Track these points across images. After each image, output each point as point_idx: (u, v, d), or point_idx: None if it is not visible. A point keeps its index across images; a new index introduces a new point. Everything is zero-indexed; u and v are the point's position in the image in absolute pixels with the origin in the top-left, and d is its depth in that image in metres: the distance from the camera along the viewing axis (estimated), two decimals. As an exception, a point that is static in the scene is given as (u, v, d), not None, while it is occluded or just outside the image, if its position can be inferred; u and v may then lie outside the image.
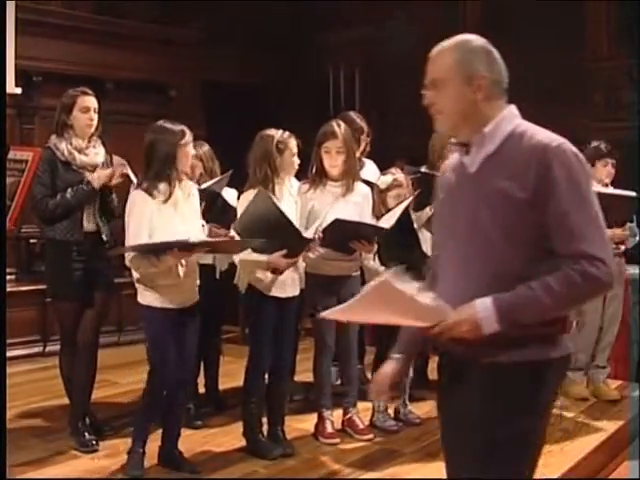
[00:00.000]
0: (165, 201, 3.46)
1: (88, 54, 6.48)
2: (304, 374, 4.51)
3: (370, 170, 4.65)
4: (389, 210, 4.07)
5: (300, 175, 4.09)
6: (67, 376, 4.04)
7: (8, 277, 5.34)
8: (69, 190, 3.86)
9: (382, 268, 4.06)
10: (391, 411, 4.31)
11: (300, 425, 4.21)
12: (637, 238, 4.80)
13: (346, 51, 7.76)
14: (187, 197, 3.57)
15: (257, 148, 3.79)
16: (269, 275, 3.72)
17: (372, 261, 4.09)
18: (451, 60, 1.97)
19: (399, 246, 3.92)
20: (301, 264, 3.90)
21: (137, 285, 3.56)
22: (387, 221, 3.93)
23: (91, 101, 3.97)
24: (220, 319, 4.69)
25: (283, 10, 7.55)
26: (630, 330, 5.20)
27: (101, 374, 4.23)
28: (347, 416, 4.18)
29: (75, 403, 4.01)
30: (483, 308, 1.86)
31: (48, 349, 5.82)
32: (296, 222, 3.82)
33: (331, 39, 7.68)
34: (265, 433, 3.92)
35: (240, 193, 3.91)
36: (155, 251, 3.37)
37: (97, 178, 3.90)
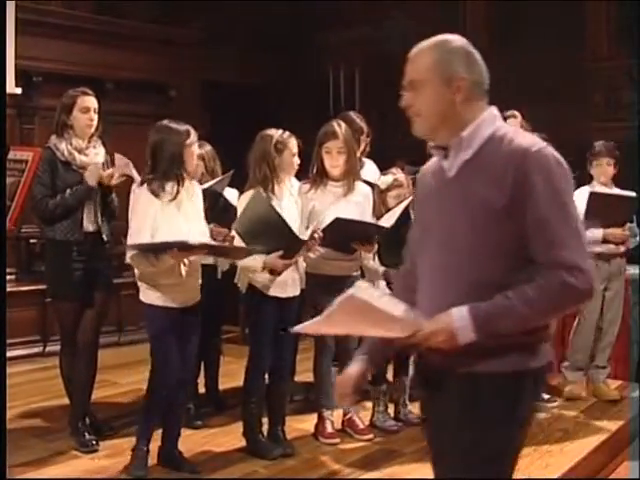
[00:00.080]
0: (170, 200, 3.46)
1: (88, 54, 6.48)
2: (304, 374, 4.51)
3: (370, 170, 4.65)
4: (389, 210, 4.08)
5: (300, 175, 4.09)
6: (67, 376, 4.04)
7: (8, 277, 5.34)
8: (68, 190, 3.86)
9: (382, 268, 4.06)
10: (391, 411, 4.31)
11: (300, 425, 4.21)
12: (637, 238, 4.79)
13: (346, 51, 7.76)
14: (191, 197, 3.58)
15: (257, 148, 3.79)
16: (267, 276, 3.73)
17: (372, 261, 4.09)
18: (430, 61, 1.92)
19: (399, 246, 3.91)
20: (302, 264, 3.91)
21: (139, 284, 3.57)
22: (387, 221, 3.93)
23: (91, 101, 3.97)
24: (221, 319, 4.69)
25: (283, 10, 7.54)
26: (630, 330, 5.20)
27: (101, 374, 4.23)
28: (347, 416, 4.18)
29: (75, 403, 4.01)
30: (459, 317, 1.81)
31: (48, 349, 5.82)
32: (297, 222, 3.83)
33: (331, 39, 7.68)
34: (265, 433, 3.92)
35: (241, 193, 3.92)
36: (154, 250, 3.37)
37: (90, 175, 3.89)
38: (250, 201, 3.69)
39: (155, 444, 3.66)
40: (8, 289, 4.72)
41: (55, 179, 3.88)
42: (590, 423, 4.44)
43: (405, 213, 3.91)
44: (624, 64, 6.50)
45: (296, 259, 3.76)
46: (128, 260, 3.47)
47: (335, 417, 4.14)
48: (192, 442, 3.95)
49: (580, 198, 4.67)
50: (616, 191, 4.77)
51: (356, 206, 4.01)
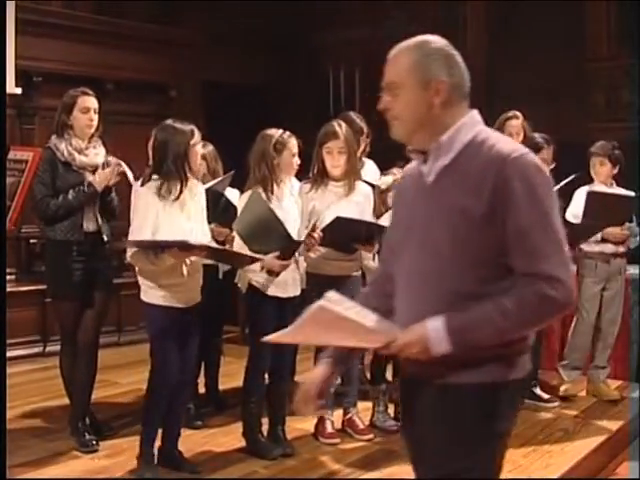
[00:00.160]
0: (173, 200, 3.46)
1: (88, 54, 6.48)
2: (304, 374, 4.51)
3: (370, 170, 4.65)
4: (389, 210, 4.07)
5: (301, 175, 4.09)
6: (67, 376, 4.04)
7: (8, 277, 5.34)
8: (71, 191, 3.86)
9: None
10: (391, 411, 4.31)
11: (300, 425, 4.21)
12: (637, 238, 4.78)
13: (346, 51, 7.76)
14: (194, 197, 3.58)
15: (256, 148, 3.80)
16: (265, 276, 3.73)
17: (372, 261, 4.09)
18: (408, 63, 1.86)
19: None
20: (302, 264, 3.91)
21: (141, 283, 3.57)
22: (387, 220, 3.92)
23: (91, 101, 3.97)
24: (222, 319, 4.69)
25: (283, 10, 7.55)
26: (630, 330, 5.20)
27: (101, 374, 4.23)
28: (347, 416, 4.18)
29: (75, 403, 4.01)
30: (434, 329, 1.76)
31: (48, 349, 5.81)
32: (297, 222, 3.83)
33: (331, 39, 7.68)
34: (265, 433, 3.92)
35: (242, 193, 3.92)
36: (154, 248, 3.37)
37: (99, 180, 3.90)
38: (248, 201, 3.70)
39: (155, 444, 3.66)
40: (8, 289, 4.72)
41: (55, 179, 3.88)
42: (590, 423, 4.44)
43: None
44: (624, 64, 6.50)
45: (293, 260, 3.75)
46: (128, 258, 3.47)
47: (335, 417, 4.14)
48: (192, 442, 3.95)
49: (580, 198, 4.69)
50: (615, 191, 4.76)
51: (357, 206, 4.01)
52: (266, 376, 3.92)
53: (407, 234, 1.92)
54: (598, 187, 4.78)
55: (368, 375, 4.58)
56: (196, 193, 3.61)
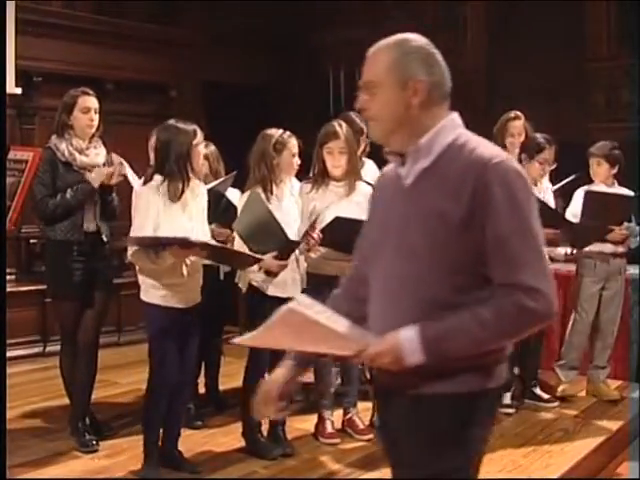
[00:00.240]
0: (175, 200, 3.46)
1: (88, 54, 6.48)
2: (304, 374, 4.51)
3: (370, 170, 4.65)
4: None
5: (301, 175, 4.09)
6: (67, 376, 4.04)
7: (8, 277, 5.34)
8: (69, 190, 3.86)
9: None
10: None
11: (300, 425, 4.21)
12: (637, 238, 4.76)
13: (346, 51, 7.74)
14: (195, 197, 3.58)
15: (256, 148, 3.80)
16: (263, 276, 3.73)
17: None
18: (386, 62, 1.80)
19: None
20: (302, 264, 3.91)
21: (141, 282, 3.57)
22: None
23: (92, 101, 3.97)
24: (223, 319, 4.69)
25: (283, 10, 7.55)
26: (630, 330, 5.20)
27: (101, 374, 4.23)
28: (347, 416, 4.18)
29: (75, 403, 4.01)
30: (407, 339, 1.70)
31: (48, 349, 5.81)
32: (297, 222, 3.83)
33: (331, 39, 7.68)
34: (265, 433, 3.92)
35: (243, 193, 3.92)
36: (155, 246, 3.37)
37: (95, 177, 3.90)
38: (247, 201, 3.71)
39: (157, 444, 3.66)
40: (8, 289, 4.72)
41: (56, 179, 3.88)
42: (590, 423, 4.44)
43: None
44: (624, 64, 6.50)
45: (290, 260, 3.75)
46: (129, 257, 3.47)
47: (335, 417, 4.14)
48: (192, 442, 3.95)
49: (579, 198, 4.69)
50: (614, 190, 4.74)
51: (357, 206, 4.00)
52: (266, 376, 3.91)
53: (383, 237, 1.87)
54: (596, 187, 4.78)
55: (368, 375, 4.57)
56: (198, 193, 3.61)
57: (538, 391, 4.79)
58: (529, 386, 4.80)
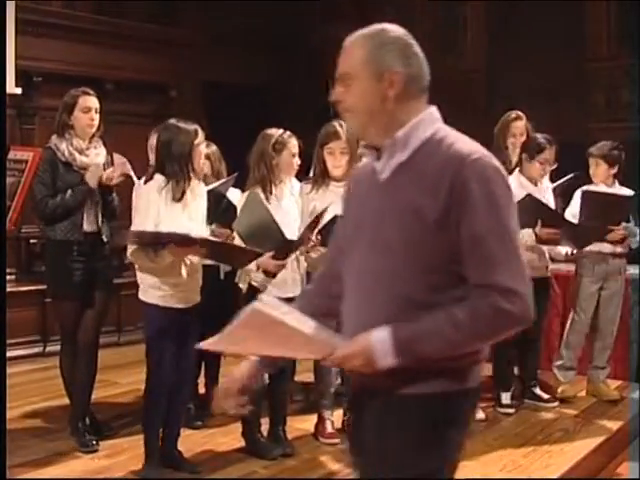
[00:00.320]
0: (175, 200, 3.46)
1: (88, 54, 6.48)
2: (304, 374, 4.51)
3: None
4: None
5: (301, 175, 4.09)
6: (67, 376, 4.04)
7: (8, 277, 5.34)
8: (69, 191, 3.86)
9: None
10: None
11: (300, 425, 4.21)
12: (637, 238, 4.75)
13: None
14: (195, 197, 3.58)
15: (256, 148, 3.80)
16: (261, 276, 3.72)
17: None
18: (362, 53, 1.75)
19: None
20: (302, 264, 3.91)
21: (140, 282, 3.57)
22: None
23: (92, 101, 3.97)
24: (223, 319, 4.68)
25: (283, 10, 7.55)
26: (630, 330, 5.19)
27: (101, 374, 4.22)
28: (347, 416, 4.18)
29: (75, 403, 4.01)
30: (379, 340, 1.65)
31: (48, 349, 5.81)
32: (297, 222, 3.83)
33: (331, 39, 7.67)
34: (264, 433, 3.92)
35: (243, 193, 3.92)
36: (154, 243, 3.36)
37: (91, 176, 3.89)
38: (246, 201, 3.71)
39: (158, 444, 3.65)
40: (8, 289, 4.72)
41: (56, 179, 3.88)
42: (590, 423, 4.44)
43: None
44: (624, 64, 6.51)
45: (288, 261, 3.74)
46: (128, 256, 3.47)
47: (335, 417, 4.14)
48: (192, 442, 3.95)
49: (578, 198, 4.69)
50: (612, 190, 4.73)
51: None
52: (266, 376, 3.91)
53: (357, 233, 1.81)
54: (594, 186, 4.77)
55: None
56: (198, 193, 3.61)
57: (538, 391, 4.79)
58: (529, 386, 4.80)
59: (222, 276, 4.36)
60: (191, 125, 3.52)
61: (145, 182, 3.57)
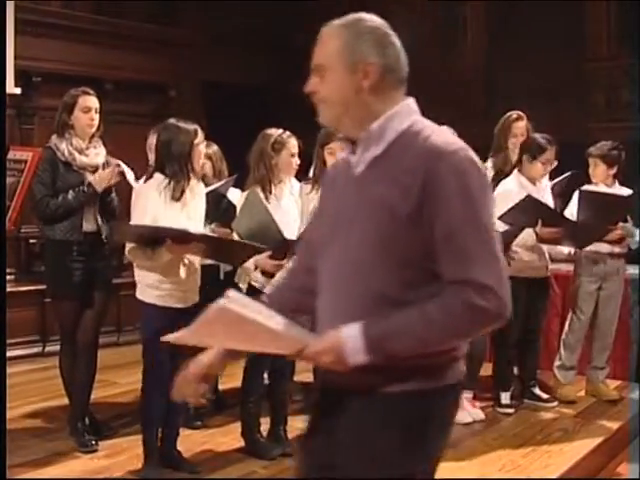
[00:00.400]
0: (174, 199, 3.46)
1: (87, 54, 6.48)
2: (304, 374, 4.51)
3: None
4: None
5: (300, 176, 4.09)
6: (67, 376, 4.04)
7: (7, 277, 5.34)
8: (70, 192, 3.85)
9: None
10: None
11: (300, 425, 4.20)
12: (637, 239, 4.74)
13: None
14: (194, 196, 3.58)
15: (256, 147, 3.80)
16: (259, 276, 3.72)
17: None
18: (337, 43, 1.72)
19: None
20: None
21: (138, 281, 3.56)
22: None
23: (92, 101, 3.96)
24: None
25: (283, 10, 7.55)
26: (630, 330, 5.19)
27: (100, 374, 4.22)
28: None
29: (75, 403, 4.01)
30: (350, 337, 1.62)
31: (47, 349, 5.81)
32: (297, 222, 3.82)
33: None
34: (264, 433, 3.91)
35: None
36: (152, 239, 3.35)
37: (99, 181, 3.89)
38: (245, 200, 3.71)
39: (157, 444, 3.65)
40: (7, 289, 4.72)
41: (56, 179, 3.87)
42: (589, 423, 4.44)
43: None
44: (624, 64, 6.51)
45: (286, 261, 3.73)
46: (126, 254, 3.47)
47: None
48: (191, 442, 3.94)
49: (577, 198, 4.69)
50: (610, 190, 4.72)
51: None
52: (266, 376, 3.91)
53: (333, 228, 1.77)
54: (592, 186, 4.77)
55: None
56: (197, 193, 3.61)
57: (537, 391, 4.79)
58: (528, 386, 4.80)
59: (222, 276, 4.36)
60: (191, 125, 3.52)
61: (145, 181, 3.57)
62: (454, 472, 3.39)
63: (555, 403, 4.75)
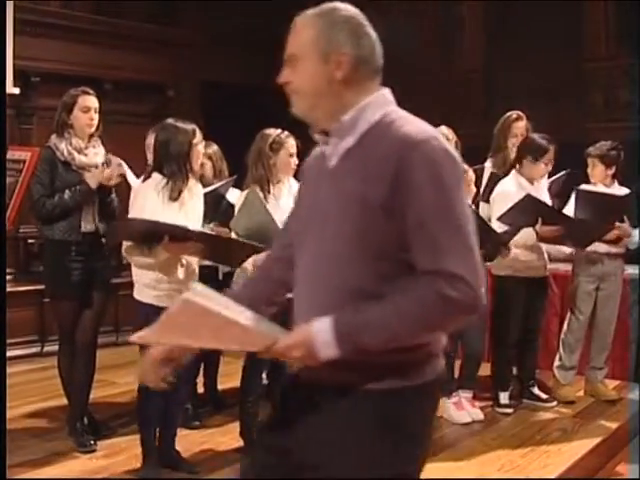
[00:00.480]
0: (172, 199, 3.46)
1: (87, 54, 6.48)
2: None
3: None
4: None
5: (300, 176, 4.08)
6: (65, 376, 4.04)
7: (6, 277, 5.34)
8: (67, 191, 3.85)
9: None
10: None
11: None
12: (636, 239, 4.74)
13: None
14: (192, 196, 3.57)
15: (254, 147, 3.81)
16: None
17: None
18: (310, 33, 1.69)
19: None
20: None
21: (135, 281, 3.56)
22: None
23: (92, 101, 3.96)
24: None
25: (283, 10, 7.53)
26: (628, 330, 5.19)
27: (99, 374, 4.22)
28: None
29: (73, 403, 4.01)
30: (320, 330, 1.59)
31: (46, 349, 5.82)
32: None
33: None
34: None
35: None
36: (150, 235, 3.35)
37: (92, 177, 3.89)
38: (244, 200, 3.71)
39: (155, 444, 3.65)
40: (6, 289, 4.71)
41: (54, 179, 3.87)
42: (588, 423, 4.44)
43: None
44: (623, 64, 6.52)
45: None
46: (123, 252, 3.47)
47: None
48: (190, 442, 3.95)
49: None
50: (608, 190, 4.72)
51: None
52: (264, 375, 3.91)
53: (308, 222, 1.75)
54: (589, 186, 4.77)
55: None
56: (195, 193, 3.61)
57: (536, 391, 4.79)
58: (527, 386, 4.80)
59: (220, 277, 4.36)
60: (189, 125, 3.52)
61: (143, 181, 3.57)
62: (453, 472, 3.38)
63: (554, 403, 4.75)
